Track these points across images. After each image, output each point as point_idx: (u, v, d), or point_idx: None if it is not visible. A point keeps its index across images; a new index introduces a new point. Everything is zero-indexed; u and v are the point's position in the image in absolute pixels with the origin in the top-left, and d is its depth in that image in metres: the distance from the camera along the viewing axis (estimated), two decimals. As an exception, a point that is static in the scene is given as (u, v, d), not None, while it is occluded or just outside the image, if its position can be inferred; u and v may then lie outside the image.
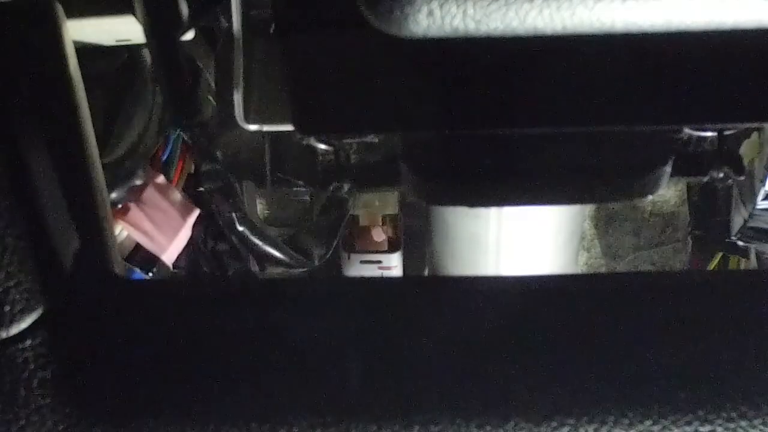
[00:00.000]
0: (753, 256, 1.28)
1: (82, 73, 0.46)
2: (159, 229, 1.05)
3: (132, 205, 1.02)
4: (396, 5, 0.33)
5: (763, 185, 1.05)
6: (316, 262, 1.26)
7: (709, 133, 0.76)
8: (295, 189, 1.32)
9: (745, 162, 0.88)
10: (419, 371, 0.40)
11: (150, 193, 1.04)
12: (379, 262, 1.46)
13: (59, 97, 0.44)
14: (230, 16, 0.80)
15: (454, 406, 0.38)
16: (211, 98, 0.95)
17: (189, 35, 0.84)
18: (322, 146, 0.79)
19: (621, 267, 1.64)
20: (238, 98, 0.82)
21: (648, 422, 0.38)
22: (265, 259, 1.19)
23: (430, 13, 0.33)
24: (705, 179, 0.77)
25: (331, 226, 1.29)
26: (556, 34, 0.34)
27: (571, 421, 0.38)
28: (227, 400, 0.39)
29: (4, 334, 0.40)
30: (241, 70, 0.81)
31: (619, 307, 0.41)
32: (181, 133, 1.07)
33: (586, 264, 1.65)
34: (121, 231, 1.02)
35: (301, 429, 0.38)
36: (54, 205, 0.42)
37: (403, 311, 0.42)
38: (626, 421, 0.38)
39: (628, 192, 0.65)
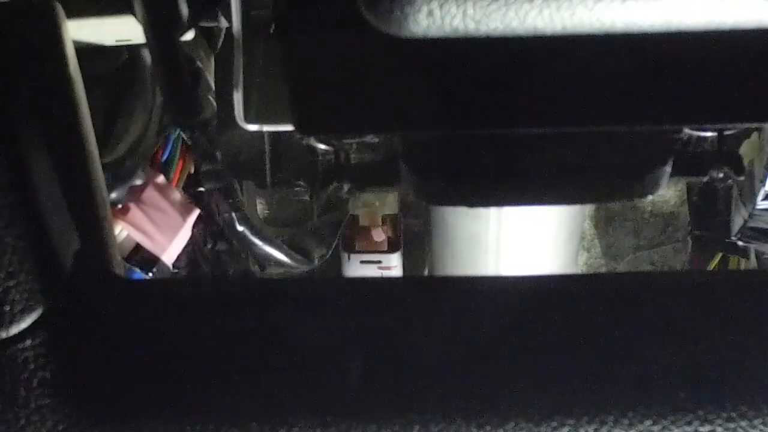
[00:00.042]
0: (753, 256, 1.28)
1: (82, 73, 0.46)
2: (159, 229, 1.05)
3: (132, 205, 1.02)
4: (396, 5, 0.33)
5: (763, 185, 1.05)
6: (316, 262, 1.26)
7: (709, 133, 0.76)
8: (295, 189, 1.32)
9: (745, 162, 0.88)
10: (419, 371, 0.40)
11: (150, 193, 1.04)
12: (379, 262, 1.46)
13: (59, 97, 0.44)
14: (230, 16, 0.80)
15: (454, 406, 0.38)
16: (211, 98, 0.95)
17: (189, 35, 0.84)
18: (322, 146, 0.79)
19: (621, 267, 1.64)
20: (238, 98, 0.82)
21: (648, 422, 0.38)
22: (265, 259, 1.19)
23: (430, 13, 0.33)
24: (705, 179, 0.77)
25: (331, 226, 1.29)
26: (556, 34, 0.34)
27: (571, 421, 0.38)
28: (227, 400, 0.39)
29: (4, 334, 0.40)
30: (241, 70, 0.81)
31: (619, 307, 0.41)
32: (181, 133, 1.07)
33: (586, 264, 1.65)
34: (121, 231, 1.02)
35: (301, 429, 0.38)
36: (54, 205, 0.42)
37: (403, 311, 0.42)
38: (626, 421, 0.38)
39: (628, 192, 0.65)
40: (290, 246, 1.21)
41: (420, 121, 0.48)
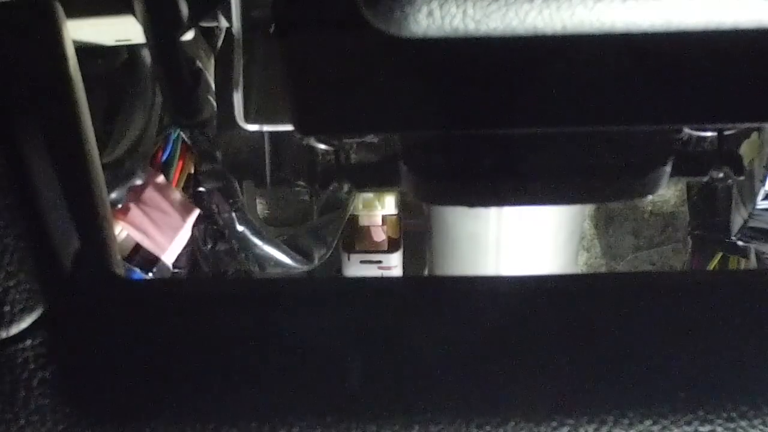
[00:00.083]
0: (753, 256, 1.28)
1: (82, 73, 0.46)
2: (159, 229, 1.05)
3: (132, 205, 1.02)
4: (396, 5, 0.33)
5: (763, 185, 1.05)
6: (316, 262, 1.26)
7: (709, 133, 0.76)
8: (295, 189, 1.32)
9: (745, 162, 0.88)
10: (419, 371, 0.40)
11: (150, 193, 1.04)
12: (379, 262, 1.46)
13: (59, 97, 0.44)
14: (230, 16, 0.80)
15: (454, 406, 0.38)
16: (211, 98, 0.95)
17: (189, 35, 0.84)
18: (322, 146, 0.79)
19: (621, 267, 1.64)
20: (238, 98, 0.82)
21: (648, 422, 0.38)
22: (265, 259, 1.19)
23: (430, 13, 0.33)
24: (705, 179, 0.77)
25: (331, 226, 1.29)
26: (556, 34, 0.34)
27: (571, 421, 0.38)
28: (227, 400, 0.39)
29: (4, 334, 0.40)
30: (241, 70, 0.81)
31: (619, 307, 0.41)
32: (181, 133, 1.07)
33: (586, 264, 1.65)
34: (121, 231, 1.02)
35: (301, 429, 0.38)
36: (54, 205, 0.42)
37: (403, 311, 0.42)
38: (626, 421, 0.38)
39: (628, 192, 0.65)
40: (290, 246, 1.21)
41: (420, 121, 0.48)
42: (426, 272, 1.48)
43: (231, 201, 1.13)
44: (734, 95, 0.45)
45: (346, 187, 0.80)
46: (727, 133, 0.74)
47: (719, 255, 1.33)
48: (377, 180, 0.77)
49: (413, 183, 0.64)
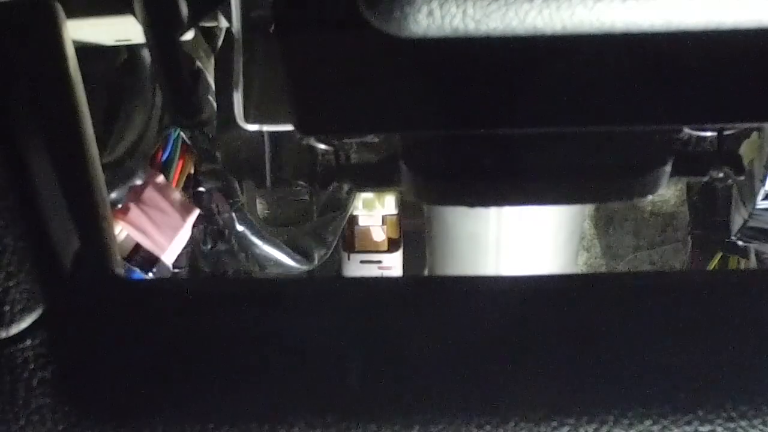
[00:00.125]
0: (753, 256, 1.28)
1: (82, 73, 0.46)
2: (159, 229, 1.05)
3: (132, 205, 1.02)
4: (396, 5, 0.33)
5: (763, 185, 1.05)
6: (316, 262, 1.26)
7: (709, 133, 0.76)
8: (295, 189, 1.32)
9: (745, 162, 0.88)
10: (419, 371, 0.40)
11: (150, 193, 1.04)
12: (379, 262, 1.46)
13: (59, 97, 0.44)
14: (230, 16, 0.80)
15: (454, 406, 0.38)
16: (211, 98, 0.95)
17: (189, 35, 0.84)
18: (322, 146, 0.79)
19: (621, 267, 1.64)
20: (238, 98, 0.82)
21: (648, 422, 0.38)
22: (265, 259, 1.19)
23: (430, 13, 0.33)
24: (705, 179, 0.77)
25: (331, 226, 1.29)
26: (556, 34, 0.34)
27: (571, 421, 0.38)
28: (227, 400, 0.39)
29: (4, 334, 0.40)
30: (241, 70, 0.81)
31: (619, 307, 0.41)
32: (181, 133, 1.07)
33: (586, 264, 1.65)
34: (121, 231, 1.02)
35: (301, 429, 0.38)
36: (54, 205, 0.42)
37: (403, 311, 0.42)
38: (626, 421, 0.38)
39: (628, 192, 0.65)
40: (290, 246, 1.21)
41: (420, 121, 0.48)
42: (426, 272, 1.48)
43: (231, 201, 1.13)
44: (734, 95, 0.45)
45: (346, 187, 0.80)
46: (727, 133, 0.74)
47: (719, 255, 1.34)
48: (377, 180, 0.77)
49: (413, 183, 0.64)
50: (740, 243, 1.21)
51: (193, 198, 1.13)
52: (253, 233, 1.15)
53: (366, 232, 1.46)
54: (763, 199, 1.07)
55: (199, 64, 0.92)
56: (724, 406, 0.38)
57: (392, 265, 1.47)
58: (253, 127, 0.84)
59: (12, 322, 0.40)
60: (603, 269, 1.64)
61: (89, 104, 0.46)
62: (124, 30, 0.74)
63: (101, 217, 0.44)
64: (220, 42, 0.96)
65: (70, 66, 0.45)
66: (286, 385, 0.39)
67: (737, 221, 1.18)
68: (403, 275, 1.50)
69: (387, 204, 1.44)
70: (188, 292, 0.44)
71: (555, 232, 1.16)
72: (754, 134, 1.02)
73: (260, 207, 1.51)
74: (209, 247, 1.20)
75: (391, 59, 0.44)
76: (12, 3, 0.42)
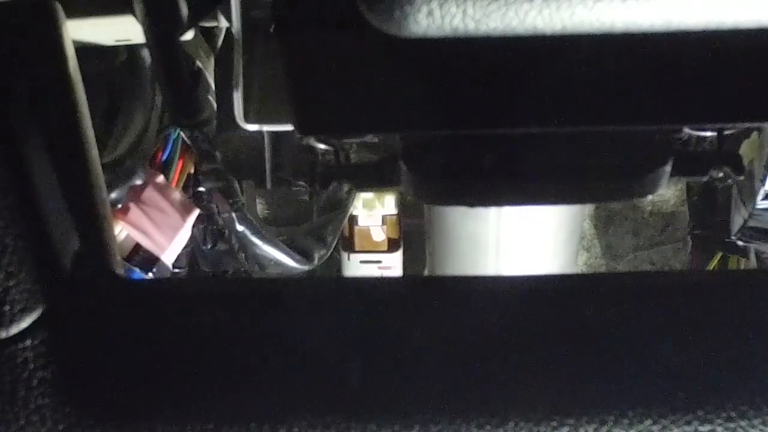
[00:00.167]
0: (753, 256, 1.28)
1: (82, 73, 0.46)
2: (159, 229, 1.05)
3: (132, 205, 1.02)
4: (396, 5, 0.33)
5: (763, 185, 1.05)
6: (316, 262, 1.26)
7: (709, 133, 0.76)
8: (295, 189, 1.32)
9: (745, 162, 0.88)
10: (419, 371, 0.40)
11: (150, 193, 1.04)
12: (379, 262, 1.46)
13: (59, 97, 0.44)
14: (230, 16, 0.80)
15: (454, 406, 0.38)
16: (211, 98, 0.95)
17: (189, 35, 0.83)
18: (322, 146, 0.79)
19: (621, 267, 1.64)
20: (238, 98, 0.82)
21: (648, 422, 0.38)
22: (265, 259, 1.19)
23: (430, 13, 0.33)
24: (705, 179, 0.77)
25: (331, 226, 1.29)
26: (556, 34, 0.34)
27: (571, 421, 0.38)
28: (227, 400, 0.39)
29: (4, 334, 0.40)
30: (241, 70, 0.81)
31: (619, 307, 0.41)
32: (181, 133, 1.07)
33: (586, 264, 1.65)
34: (121, 231, 1.02)
35: (301, 429, 0.38)
36: (54, 205, 0.42)
37: (403, 311, 0.42)
38: (626, 421, 0.38)
39: (628, 192, 0.65)
40: (290, 246, 1.21)
41: (420, 121, 0.48)
42: (426, 272, 1.48)
43: (231, 201, 1.12)
44: (734, 95, 0.45)
45: (346, 187, 0.80)
46: (727, 133, 0.74)
47: (719, 255, 1.34)
48: (377, 180, 0.77)
49: (413, 183, 0.64)
50: (740, 243, 1.21)
51: (193, 198, 1.13)
52: (253, 233, 1.15)
53: (366, 232, 1.46)
54: (763, 199, 1.07)
55: (199, 64, 0.92)
56: (724, 406, 0.38)
57: (392, 265, 1.47)
58: (253, 127, 0.84)
59: (12, 322, 0.40)
60: (603, 269, 1.64)
61: (89, 104, 0.46)
62: (124, 30, 0.74)
63: (101, 217, 0.44)
64: (220, 42, 0.96)
65: (70, 66, 0.45)
66: (286, 385, 0.39)
67: (737, 221, 1.18)
68: (403, 275, 1.50)
69: (387, 204, 1.44)
70: (188, 292, 0.44)
71: (555, 232, 1.16)
72: (754, 134, 1.02)
73: (260, 207, 1.51)
74: (209, 247, 1.20)
75: (391, 59, 0.44)
76: (12, 3, 0.42)
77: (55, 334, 0.40)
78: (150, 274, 1.03)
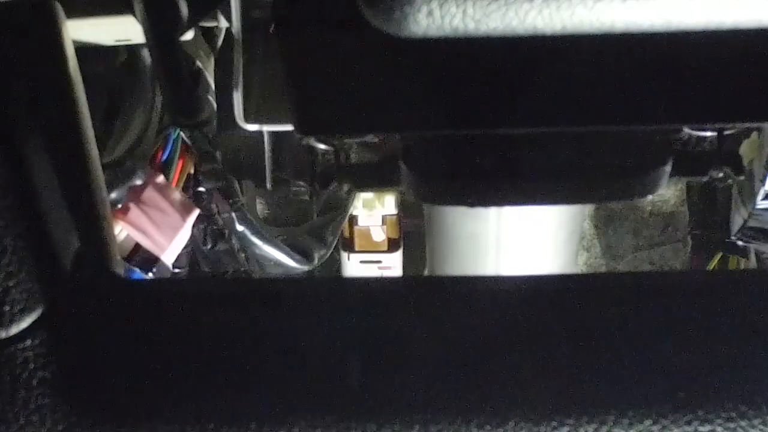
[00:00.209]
0: (753, 256, 1.28)
1: (82, 73, 0.46)
2: (159, 229, 1.05)
3: (132, 205, 1.02)
4: (396, 5, 0.33)
5: (763, 185, 1.05)
6: (316, 262, 1.26)
7: (709, 133, 0.76)
8: (295, 189, 1.32)
9: (745, 162, 0.88)
10: (419, 371, 0.40)
11: (150, 193, 1.04)
12: (379, 262, 1.46)
13: (59, 97, 0.44)
14: (230, 16, 0.80)
15: (454, 406, 0.38)
16: (211, 98, 0.95)
17: (189, 35, 0.84)
18: (322, 146, 0.79)
19: (621, 267, 1.64)
20: (238, 98, 0.82)
21: (648, 422, 0.38)
22: (265, 259, 1.19)
23: (430, 13, 0.33)
24: (705, 179, 0.77)
25: (331, 226, 1.29)
26: (556, 34, 0.34)
27: (571, 421, 0.38)
28: (227, 400, 0.39)
29: (4, 334, 0.40)
30: (241, 70, 0.81)
31: (619, 307, 0.41)
32: (181, 133, 1.07)
33: (586, 264, 1.65)
34: (121, 231, 1.02)
35: (301, 429, 0.38)
36: (54, 205, 0.42)
37: (403, 311, 0.42)
38: (626, 421, 0.38)
39: (628, 192, 0.65)
40: (290, 246, 1.21)
41: (420, 121, 0.48)
42: (426, 272, 1.48)
43: (231, 201, 1.13)
44: (734, 95, 0.45)
45: (346, 187, 0.80)
46: (727, 133, 0.74)
47: (719, 255, 1.34)
48: (377, 180, 0.77)
49: (413, 183, 0.64)
50: (740, 243, 1.21)
51: (193, 198, 1.13)
52: (253, 233, 1.15)
53: (366, 232, 1.46)
54: (763, 199, 1.07)
55: (199, 64, 0.92)
56: (724, 406, 0.38)
57: (392, 265, 1.47)
58: (253, 127, 0.84)
59: (12, 322, 0.40)
60: (603, 269, 1.64)
61: (89, 104, 0.46)
62: (124, 30, 0.74)
63: (101, 217, 0.44)
64: (220, 42, 0.96)
65: (70, 66, 0.45)
66: (286, 385, 0.39)
67: (737, 221, 1.18)
68: (403, 275, 1.50)
69: (387, 204, 1.44)
70: (188, 292, 0.44)
71: (555, 232, 1.16)
72: (754, 134, 1.02)
73: (260, 207, 1.51)
74: (209, 247, 1.20)
75: (391, 59, 0.44)
76: (12, 3, 0.42)
77: (55, 334, 0.40)
78: (150, 274, 1.03)
